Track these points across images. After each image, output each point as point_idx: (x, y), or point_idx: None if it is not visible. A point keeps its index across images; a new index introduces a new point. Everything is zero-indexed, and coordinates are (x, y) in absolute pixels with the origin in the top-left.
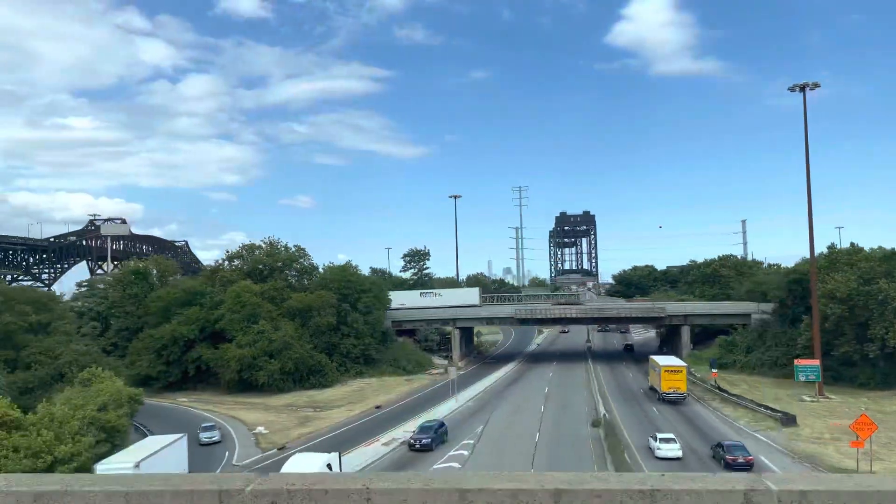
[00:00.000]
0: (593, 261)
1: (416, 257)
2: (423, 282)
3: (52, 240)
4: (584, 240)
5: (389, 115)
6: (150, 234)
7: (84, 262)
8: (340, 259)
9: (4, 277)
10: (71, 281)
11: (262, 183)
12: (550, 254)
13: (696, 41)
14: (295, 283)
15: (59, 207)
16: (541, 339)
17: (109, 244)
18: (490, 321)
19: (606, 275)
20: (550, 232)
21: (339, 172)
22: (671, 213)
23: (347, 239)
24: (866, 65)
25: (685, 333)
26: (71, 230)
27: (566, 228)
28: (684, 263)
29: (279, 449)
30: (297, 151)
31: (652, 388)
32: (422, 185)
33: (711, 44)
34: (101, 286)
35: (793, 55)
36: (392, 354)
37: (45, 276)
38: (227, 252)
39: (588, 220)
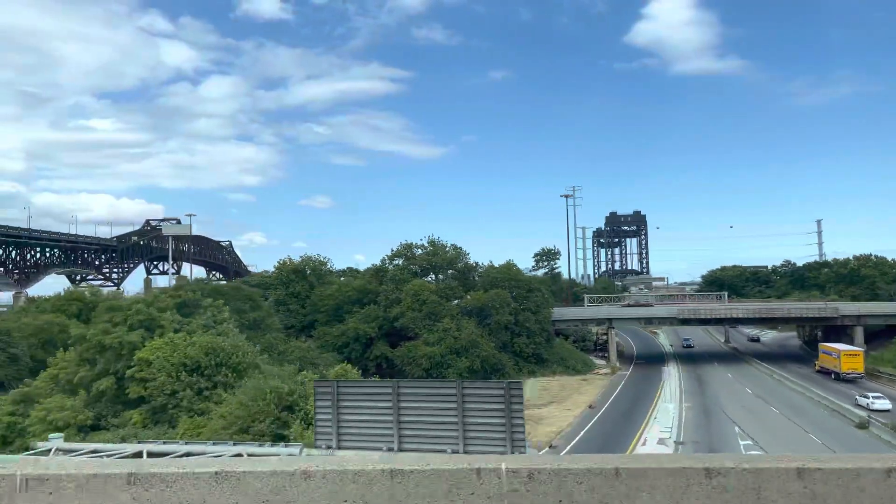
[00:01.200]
0: (644, 261)
1: (547, 256)
2: (554, 280)
3: (114, 240)
4: (632, 240)
5: (408, 116)
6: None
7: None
8: (358, 260)
9: (75, 277)
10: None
11: (280, 184)
12: (594, 254)
13: (718, 39)
14: (458, 282)
15: (81, 209)
16: (663, 339)
17: (170, 244)
18: (648, 321)
19: (659, 275)
20: (594, 232)
21: (358, 173)
22: (701, 215)
23: (366, 239)
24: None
25: (859, 333)
26: (134, 230)
27: (616, 228)
28: (758, 265)
29: (550, 448)
30: (316, 152)
31: (821, 371)
32: (440, 186)
33: (734, 42)
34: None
35: (816, 52)
36: (558, 354)
37: (114, 275)
38: (392, 250)
39: (639, 219)
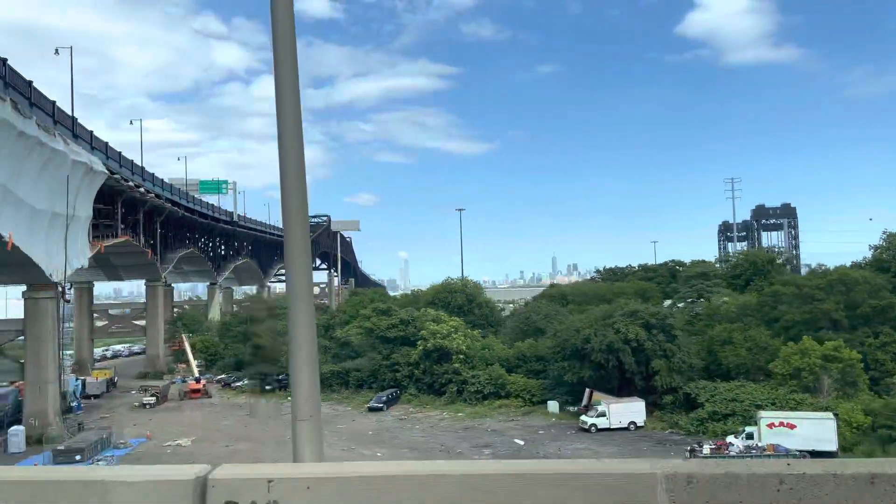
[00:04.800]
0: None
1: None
2: None
3: None
4: (771, 234)
5: (454, 112)
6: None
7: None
8: (402, 256)
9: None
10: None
11: (327, 182)
12: (719, 248)
13: (775, 28)
14: None
15: None
16: None
17: (339, 240)
18: None
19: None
20: (721, 226)
21: (403, 170)
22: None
23: (410, 235)
24: None
25: None
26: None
27: (764, 221)
28: None
29: None
30: (362, 150)
31: None
32: (487, 182)
33: (792, 30)
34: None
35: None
36: None
37: None
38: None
39: (788, 212)
